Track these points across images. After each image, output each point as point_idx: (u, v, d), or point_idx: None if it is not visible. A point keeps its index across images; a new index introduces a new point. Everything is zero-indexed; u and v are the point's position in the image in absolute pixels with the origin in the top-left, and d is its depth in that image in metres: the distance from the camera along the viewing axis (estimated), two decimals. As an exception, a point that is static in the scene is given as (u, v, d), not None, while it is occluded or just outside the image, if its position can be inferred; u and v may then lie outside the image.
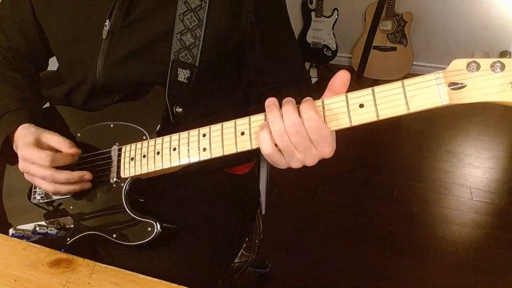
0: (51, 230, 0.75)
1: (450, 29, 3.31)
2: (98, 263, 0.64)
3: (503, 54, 0.47)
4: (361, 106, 0.54)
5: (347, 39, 3.49)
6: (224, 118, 0.64)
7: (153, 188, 0.80)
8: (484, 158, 2.48)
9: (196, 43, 0.79)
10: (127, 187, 0.74)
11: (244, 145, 0.61)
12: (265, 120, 0.59)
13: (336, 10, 3.25)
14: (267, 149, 0.58)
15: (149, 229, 0.71)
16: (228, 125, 0.63)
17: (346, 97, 0.56)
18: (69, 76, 0.88)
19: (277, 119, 0.57)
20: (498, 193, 2.17)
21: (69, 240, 0.77)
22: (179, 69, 0.78)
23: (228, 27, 0.80)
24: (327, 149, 0.57)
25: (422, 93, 0.51)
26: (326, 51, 3.31)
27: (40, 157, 0.72)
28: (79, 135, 0.82)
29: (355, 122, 0.55)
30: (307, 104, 0.56)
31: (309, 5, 3.27)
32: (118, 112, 0.79)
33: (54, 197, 0.81)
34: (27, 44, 0.91)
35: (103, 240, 0.75)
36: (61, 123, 0.85)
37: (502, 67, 0.47)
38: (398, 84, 0.53)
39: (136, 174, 0.72)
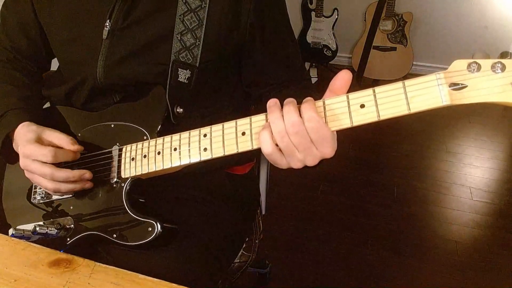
0: (51, 230, 0.75)
1: (450, 29, 3.31)
2: (98, 263, 0.64)
3: (504, 55, 0.47)
4: (362, 106, 0.54)
5: (347, 39, 3.49)
6: (225, 118, 0.64)
7: (153, 188, 0.80)
8: (484, 158, 2.48)
9: (197, 44, 0.79)
10: (128, 187, 0.74)
11: (245, 145, 0.61)
12: (266, 120, 0.59)
13: (336, 10, 3.25)
14: (267, 149, 0.58)
15: (150, 229, 0.71)
16: (229, 125, 0.63)
17: (347, 97, 0.56)
18: (70, 76, 0.88)
19: (278, 120, 0.57)
20: (498, 193, 2.17)
21: (69, 240, 0.77)
22: (179, 69, 0.78)
23: (228, 27, 0.80)
24: (327, 149, 0.57)
25: (423, 94, 0.51)
26: (326, 51, 3.31)
27: (42, 153, 0.72)
28: (79, 135, 0.82)
29: (356, 123, 0.55)
30: (307, 105, 0.56)
31: (309, 5, 3.27)
32: (118, 112, 0.79)
33: (54, 198, 0.81)
34: (29, 44, 0.91)
35: (103, 240, 0.75)
36: (62, 123, 0.85)
37: (503, 67, 0.47)
38: (399, 84, 0.53)
39: (137, 174, 0.72)
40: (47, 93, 0.94)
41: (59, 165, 0.75)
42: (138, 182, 0.75)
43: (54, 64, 0.97)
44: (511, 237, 1.89)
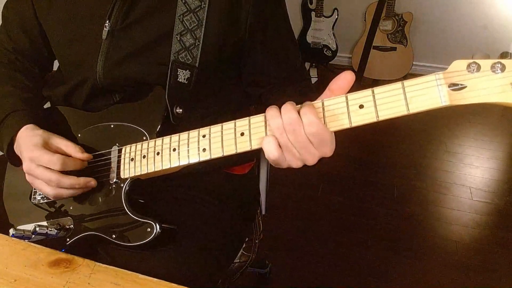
0: (51, 230, 0.75)
1: (450, 29, 3.31)
2: (98, 263, 0.64)
3: (504, 55, 0.47)
4: (361, 107, 0.54)
5: (347, 39, 3.49)
6: (224, 118, 0.64)
7: (153, 189, 0.81)
8: (484, 158, 2.48)
9: (196, 44, 0.79)
10: (127, 188, 0.74)
11: (244, 146, 0.61)
12: (265, 120, 0.59)
13: (336, 10, 3.25)
14: (274, 155, 0.58)
15: (149, 229, 0.71)
16: (228, 126, 0.63)
17: (346, 98, 0.56)
18: (70, 77, 0.88)
19: (276, 117, 0.57)
20: (498, 193, 2.17)
21: (69, 241, 0.77)
22: (179, 69, 0.78)
23: (227, 27, 0.80)
24: (326, 150, 0.58)
25: (422, 94, 0.51)
26: (326, 51, 3.31)
27: (51, 160, 0.72)
28: (79, 135, 0.82)
29: (355, 123, 0.55)
30: (307, 109, 0.56)
31: (309, 5, 3.27)
32: (118, 113, 0.79)
33: (54, 198, 0.81)
34: (31, 46, 0.91)
35: (103, 241, 0.75)
36: (62, 124, 0.85)
37: (503, 68, 0.47)
38: (398, 85, 0.52)
39: (136, 174, 0.72)
40: (47, 93, 0.94)
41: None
42: (138, 182, 0.75)
43: (55, 64, 0.97)
44: (511, 237, 1.88)
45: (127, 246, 0.72)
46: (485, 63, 0.48)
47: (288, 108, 0.57)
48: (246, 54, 0.86)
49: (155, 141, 0.71)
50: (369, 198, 2.14)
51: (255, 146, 0.60)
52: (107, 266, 0.64)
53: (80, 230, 0.77)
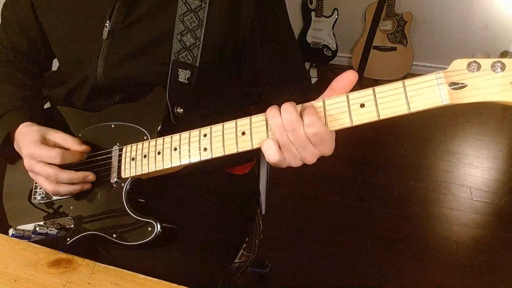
0: (51, 230, 0.75)
1: (450, 29, 3.31)
2: (98, 263, 0.64)
3: (504, 54, 0.47)
4: (362, 106, 0.54)
5: (347, 39, 3.49)
6: (225, 118, 0.64)
7: (153, 188, 0.80)
8: (484, 158, 2.48)
9: (197, 44, 0.79)
10: (128, 187, 0.74)
11: (245, 145, 0.61)
12: (266, 120, 0.59)
13: (336, 10, 3.25)
14: (274, 158, 0.58)
15: (149, 229, 0.71)
16: (229, 125, 0.63)
17: (347, 97, 0.56)
18: (70, 77, 0.88)
19: (276, 116, 0.57)
20: (498, 193, 2.17)
21: (69, 240, 0.77)
22: (179, 69, 0.78)
23: (228, 27, 0.80)
24: (326, 149, 0.58)
25: (423, 93, 0.51)
26: (326, 51, 3.31)
27: (49, 155, 0.72)
28: (80, 135, 0.82)
29: (356, 122, 0.55)
30: (308, 109, 0.56)
31: (309, 5, 3.27)
32: (119, 113, 0.79)
33: (54, 198, 0.81)
34: (29, 45, 0.91)
35: (103, 240, 0.75)
36: (62, 124, 0.85)
37: (503, 67, 0.47)
38: (399, 84, 0.53)
39: (137, 174, 0.72)
40: (48, 93, 0.94)
41: (62, 166, 0.75)
42: (138, 182, 0.75)
43: (55, 64, 0.97)
44: (511, 237, 1.89)
45: (128, 245, 0.72)
46: (485, 62, 0.48)
47: (288, 107, 0.57)
48: (247, 54, 0.87)
49: (156, 140, 0.71)
50: (369, 198, 2.14)
51: (256, 145, 0.60)
52: (107, 266, 0.64)
53: (80, 229, 0.77)
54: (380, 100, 0.53)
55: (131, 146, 0.74)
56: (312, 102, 0.58)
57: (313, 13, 3.28)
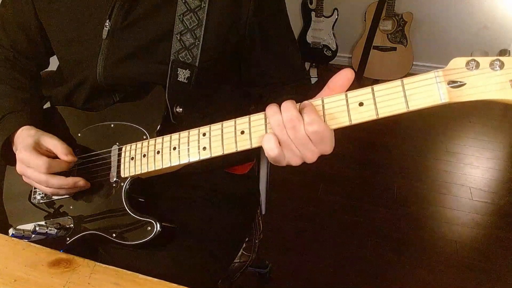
0: (51, 230, 0.75)
1: (450, 29, 3.31)
2: (98, 263, 0.64)
3: (502, 52, 0.47)
4: (361, 104, 0.54)
5: (347, 39, 3.49)
6: (224, 117, 0.64)
7: (153, 188, 0.80)
8: (484, 158, 2.48)
9: (196, 43, 0.79)
10: (127, 187, 0.74)
11: (244, 144, 0.61)
12: (265, 118, 0.59)
13: (336, 10, 3.25)
14: (273, 152, 0.58)
15: (149, 228, 0.71)
16: (228, 124, 0.63)
17: (346, 95, 0.56)
18: (70, 76, 0.88)
19: (276, 113, 0.57)
20: (498, 193, 2.17)
21: (69, 240, 0.77)
22: (179, 69, 0.78)
23: (227, 27, 0.81)
24: (326, 147, 0.58)
25: (422, 92, 0.51)
26: (326, 51, 3.31)
27: (37, 164, 0.73)
28: (79, 135, 0.82)
29: (355, 121, 0.55)
30: (308, 107, 0.56)
31: (309, 5, 3.27)
32: (118, 112, 0.80)
33: (54, 197, 0.81)
34: (29, 43, 0.91)
35: (103, 240, 0.75)
36: (62, 123, 0.85)
37: (502, 65, 0.47)
38: (397, 82, 0.53)
39: (136, 173, 0.72)
40: (48, 93, 0.94)
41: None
42: (138, 181, 0.75)
43: (54, 64, 0.97)
44: (511, 237, 1.88)
45: (127, 245, 0.72)
46: (484, 61, 0.48)
47: (288, 105, 0.57)
48: (246, 54, 0.87)
49: (155, 139, 0.71)
50: (369, 198, 2.14)
51: (255, 144, 0.60)
52: (107, 266, 0.64)
53: (80, 229, 0.77)
54: (379, 98, 0.53)
55: (131, 145, 0.74)
56: (311, 101, 0.58)
57: (313, 13, 3.28)
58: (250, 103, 0.98)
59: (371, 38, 3.17)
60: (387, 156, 2.54)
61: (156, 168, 0.69)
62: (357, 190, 2.21)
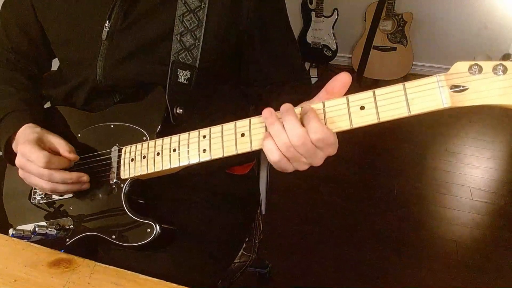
0: (50, 230, 0.75)
1: (450, 29, 3.30)
2: (98, 263, 0.64)
3: (506, 57, 0.47)
4: (362, 108, 0.54)
5: (347, 39, 3.49)
6: (224, 119, 0.64)
7: (152, 189, 0.80)
8: (484, 158, 2.48)
9: (196, 44, 0.79)
10: (127, 188, 0.74)
11: (244, 147, 0.61)
12: (266, 127, 0.59)
13: (336, 10, 3.25)
14: (275, 158, 0.58)
15: (149, 230, 0.71)
16: (228, 126, 0.63)
17: (347, 99, 0.55)
18: (70, 77, 0.88)
19: (280, 132, 0.56)
20: (498, 193, 2.17)
21: (69, 241, 0.77)
22: (179, 70, 0.78)
23: (227, 28, 0.80)
24: (332, 150, 0.58)
25: (424, 96, 0.51)
26: (326, 51, 3.31)
27: (38, 156, 0.72)
28: (79, 135, 0.82)
29: (356, 125, 0.55)
30: (310, 115, 0.56)
31: (309, 5, 3.27)
32: (118, 113, 0.79)
33: (54, 198, 0.81)
34: (30, 45, 0.91)
35: (102, 241, 0.75)
36: (62, 124, 0.85)
37: (505, 70, 0.46)
38: (399, 86, 0.52)
39: (136, 175, 0.72)
40: (48, 93, 0.94)
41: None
42: (138, 183, 0.75)
43: (55, 64, 0.97)
44: (511, 237, 1.89)
45: (127, 246, 0.72)
46: (487, 65, 0.48)
47: (292, 121, 0.56)
48: (246, 54, 0.86)
49: (155, 141, 0.71)
50: (369, 198, 2.14)
51: (255, 147, 0.60)
52: (107, 266, 0.64)
53: (79, 230, 0.77)
54: (380, 102, 0.53)
55: (130, 146, 0.74)
56: (312, 105, 0.58)
57: (313, 13, 3.27)
58: (250, 104, 0.98)
59: (371, 38, 3.17)
60: (387, 157, 2.54)
61: (156, 170, 0.69)
62: (357, 191, 2.21)
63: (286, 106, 0.58)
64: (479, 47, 3.25)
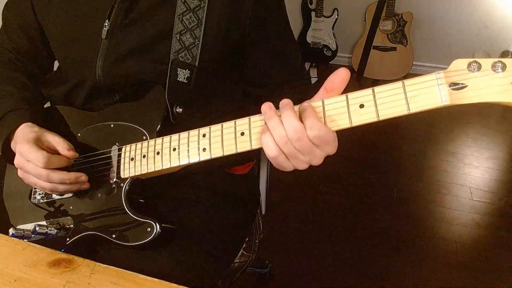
0: (51, 230, 0.75)
1: (450, 29, 3.31)
2: (98, 263, 0.64)
3: (504, 54, 0.47)
4: (362, 106, 0.54)
5: (347, 39, 3.49)
6: (224, 118, 0.64)
7: (153, 188, 0.80)
8: (484, 158, 2.48)
9: (196, 43, 0.79)
10: (127, 187, 0.74)
11: (244, 146, 0.61)
12: (265, 121, 0.59)
13: (336, 10, 3.25)
14: (272, 152, 0.58)
15: (149, 229, 0.71)
16: (228, 125, 0.63)
17: (346, 97, 0.55)
18: (70, 76, 0.88)
19: (278, 126, 0.57)
20: (498, 193, 2.17)
21: (69, 240, 0.77)
22: (178, 69, 0.78)
23: (227, 27, 0.80)
24: (331, 149, 0.58)
25: (423, 93, 0.51)
26: (326, 51, 3.31)
27: (36, 156, 0.72)
28: (79, 135, 0.82)
29: (355, 123, 0.55)
30: (308, 112, 0.56)
31: (309, 5, 3.27)
32: (118, 112, 0.79)
33: (54, 197, 0.81)
34: (30, 45, 0.91)
35: (103, 240, 0.75)
36: (62, 123, 0.85)
37: (504, 67, 0.46)
38: (398, 84, 0.52)
39: (136, 174, 0.72)
40: (47, 93, 0.94)
41: None
42: (138, 182, 0.75)
43: (55, 64, 0.97)
44: (511, 237, 1.88)
45: (127, 246, 0.72)
46: (486, 62, 0.47)
47: (290, 116, 0.56)
48: (246, 54, 0.86)
49: (155, 140, 0.71)
50: (369, 198, 2.14)
51: (255, 146, 0.60)
52: (107, 266, 0.64)
53: (80, 229, 0.77)
54: (380, 100, 0.53)
55: (130, 146, 0.74)
56: (311, 103, 0.58)
57: (313, 13, 3.27)
58: (250, 103, 0.97)
59: (371, 38, 3.17)
60: (387, 156, 2.54)
61: (156, 169, 0.69)
62: (356, 190, 2.21)
63: (285, 101, 0.58)
64: (479, 47, 3.25)
